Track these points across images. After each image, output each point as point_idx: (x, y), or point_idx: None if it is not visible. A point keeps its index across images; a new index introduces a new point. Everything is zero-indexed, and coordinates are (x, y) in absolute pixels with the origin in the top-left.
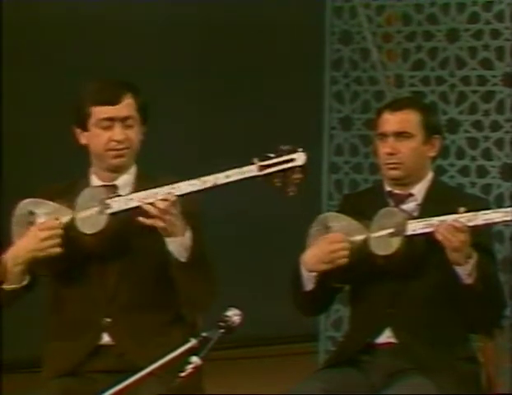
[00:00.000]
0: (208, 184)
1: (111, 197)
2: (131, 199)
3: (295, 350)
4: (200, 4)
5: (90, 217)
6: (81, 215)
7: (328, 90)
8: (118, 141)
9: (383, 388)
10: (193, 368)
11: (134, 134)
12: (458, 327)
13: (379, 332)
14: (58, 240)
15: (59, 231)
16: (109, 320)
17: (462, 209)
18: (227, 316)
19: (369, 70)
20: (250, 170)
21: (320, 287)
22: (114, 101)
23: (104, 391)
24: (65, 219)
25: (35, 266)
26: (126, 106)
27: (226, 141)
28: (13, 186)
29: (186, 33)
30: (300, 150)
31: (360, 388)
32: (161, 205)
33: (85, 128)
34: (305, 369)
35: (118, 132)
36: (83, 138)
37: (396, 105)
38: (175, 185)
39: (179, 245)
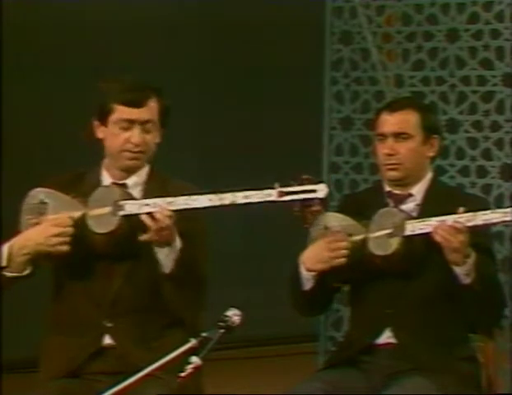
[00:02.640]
0: (226, 202)
1: (126, 200)
2: (146, 204)
3: (296, 351)
4: (200, 4)
5: (102, 216)
6: (93, 213)
7: (328, 90)
8: (135, 144)
9: (383, 389)
10: (193, 368)
11: (151, 138)
12: (457, 327)
13: (379, 333)
14: (67, 238)
15: (71, 230)
16: (110, 323)
17: (461, 209)
18: (227, 316)
19: (369, 70)
20: (269, 194)
21: (319, 287)
22: (138, 104)
23: (103, 391)
24: (76, 214)
25: (41, 257)
26: (149, 110)
27: (226, 141)
28: (13, 186)
29: (186, 33)
30: (322, 182)
31: (360, 389)
32: (159, 216)
33: (104, 123)
34: (306, 370)
35: (136, 135)
36: (100, 132)
37: (394, 106)
38: (194, 197)
39: (165, 256)
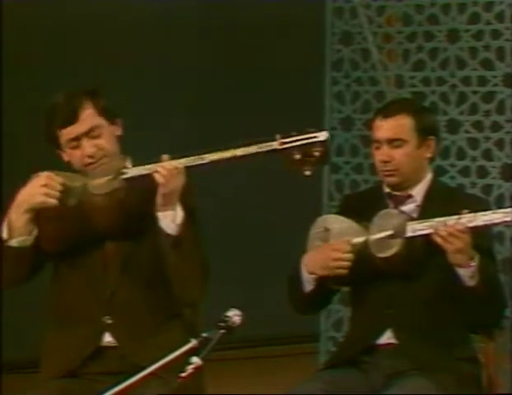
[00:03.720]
0: (227, 155)
1: (128, 167)
2: (147, 168)
3: (296, 351)
4: (200, 4)
5: (102, 182)
6: (95, 182)
7: (329, 90)
8: (90, 156)
9: (383, 389)
10: (194, 368)
11: (105, 140)
12: (458, 328)
13: (379, 333)
14: (54, 191)
15: (57, 183)
16: (110, 319)
17: (465, 210)
18: (228, 316)
19: (369, 70)
20: (271, 145)
21: (319, 289)
22: (72, 120)
23: (103, 391)
24: (78, 184)
25: (40, 241)
26: (86, 119)
27: (226, 141)
28: (13, 185)
29: (186, 33)
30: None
31: (361, 389)
32: (170, 167)
33: (61, 149)
34: (306, 370)
35: (86, 147)
36: (64, 157)
37: (387, 112)
38: (195, 157)
39: (170, 220)
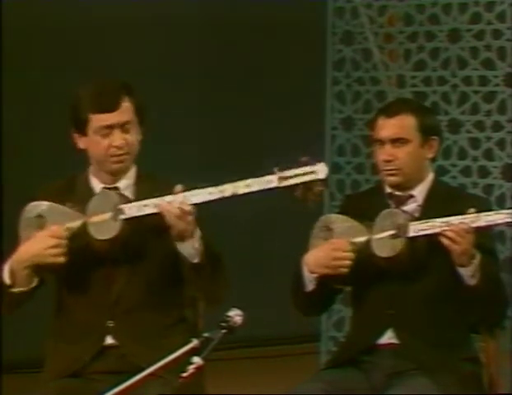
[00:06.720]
0: (226, 193)
1: (125, 203)
2: (145, 205)
3: (297, 351)
4: (200, 4)
5: (103, 223)
6: (94, 220)
7: (330, 90)
8: (118, 147)
9: (384, 389)
10: (195, 368)
11: (133, 138)
12: (460, 328)
13: (380, 333)
14: (63, 250)
15: (65, 241)
16: (112, 323)
17: (471, 210)
18: (229, 316)
19: (370, 70)
20: (270, 181)
21: (321, 288)
22: (112, 108)
23: (105, 391)
24: (76, 224)
25: (41, 269)
26: (124, 111)
27: (227, 141)
28: (13, 187)
29: (186, 33)
30: (322, 162)
31: (362, 389)
32: (185, 207)
33: (83, 133)
34: (307, 370)
35: (117, 138)
36: (82, 143)
37: (390, 111)
38: (193, 192)
39: (190, 248)
